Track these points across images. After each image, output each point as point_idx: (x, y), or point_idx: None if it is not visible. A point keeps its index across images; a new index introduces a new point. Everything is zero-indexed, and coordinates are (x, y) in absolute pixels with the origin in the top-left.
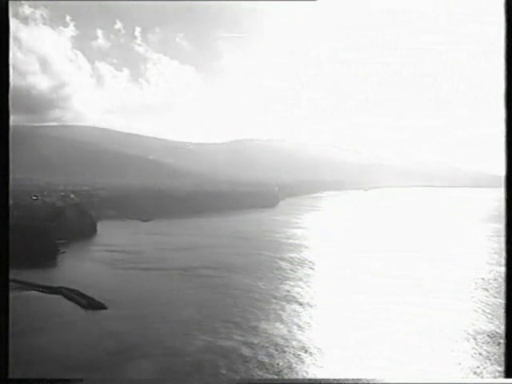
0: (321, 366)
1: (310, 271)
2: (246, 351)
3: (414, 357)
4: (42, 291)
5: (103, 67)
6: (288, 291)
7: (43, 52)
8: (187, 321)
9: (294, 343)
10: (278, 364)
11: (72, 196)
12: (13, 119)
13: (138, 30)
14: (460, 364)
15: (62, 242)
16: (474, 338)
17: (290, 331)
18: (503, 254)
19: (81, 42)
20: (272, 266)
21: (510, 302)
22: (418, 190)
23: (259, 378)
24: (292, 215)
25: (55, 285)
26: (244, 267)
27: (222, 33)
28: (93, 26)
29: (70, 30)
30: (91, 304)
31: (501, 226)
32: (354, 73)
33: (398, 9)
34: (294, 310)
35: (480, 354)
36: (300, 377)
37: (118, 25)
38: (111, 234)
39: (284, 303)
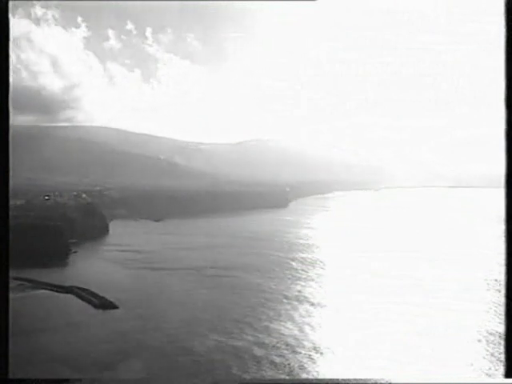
0: (331, 366)
1: (321, 271)
2: (257, 351)
3: (437, 357)
4: (53, 290)
5: (114, 68)
6: (299, 291)
7: (55, 53)
8: (199, 321)
9: (305, 343)
10: (289, 364)
11: (84, 196)
12: (25, 120)
13: (149, 30)
14: (472, 365)
15: (73, 241)
16: (486, 340)
17: (301, 331)
18: None
19: (92, 43)
20: (283, 267)
21: (510, 302)
22: (432, 190)
23: (270, 378)
24: (303, 216)
25: (67, 284)
26: (255, 267)
27: (228, 33)
28: (104, 26)
29: (82, 31)
30: (103, 303)
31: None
32: (353, 73)
33: (398, 9)
34: (306, 310)
35: (492, 355)
36: (311, 376)
37: (130, 25)
38: (123, 234)
39: (296, 303)
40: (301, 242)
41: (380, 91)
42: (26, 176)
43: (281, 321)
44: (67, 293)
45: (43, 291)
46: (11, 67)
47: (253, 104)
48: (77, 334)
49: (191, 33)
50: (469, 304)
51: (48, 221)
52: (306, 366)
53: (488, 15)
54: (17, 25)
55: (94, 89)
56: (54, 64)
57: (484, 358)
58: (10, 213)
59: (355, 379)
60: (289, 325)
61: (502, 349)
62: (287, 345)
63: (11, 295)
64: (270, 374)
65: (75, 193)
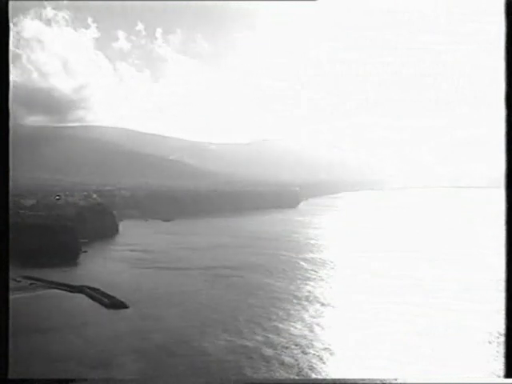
0: (340, 366)
1: (331, 271)
2: (267, 351)
3: (453, 358)
4: (64, 290)
5: (124, 68)
6: (310, 292)
7: (65, 53)
8: (210, 321)
9: (315, 344)
10: (298, 365)
11: (94, 196)
12: (36, 120)
13: (158, 31)
14: (488, 364)
15: (84, 241)
16: (497, 341)
17: (311, 331)
18: None
19: (102, 44)
20: (293, 267)
21: (510, 302)
22: (432, 190)
23: (281, 378)
24: (313, 216)
25: (77, 283)
26: (266, 267)
27: (229, 33)
28: (114, 27)
29: (92, 32)
30: (113, 303)
31: None
32: (354, 73)
33: (398, 9)
34: (317, 310)
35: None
36: (319, 377)
37: (139, 26)
38: (133, 234)
39: (306, 303)
40: (311, 242)
41: (380, 91)
42: (37, 176)
43: (290, 321)
44: (78, 292)
45: (54, 291)
46: (22, 68)
47: (256, 104)
48: (88, 332)
49: (197, 33)
50: (469, 304)
51: (59, 220)
52: (315, 366)
53: (488, 15)
54: (28, 26)
55: (103, 89)
56: (65, 65)
57: (495, 359)
58: (22, 212)
59: (361, 379)
60: (298, 325)
61: None
62: (296, 344)
63: (23, 295)
64: (280, 374)
65: (86, 193)
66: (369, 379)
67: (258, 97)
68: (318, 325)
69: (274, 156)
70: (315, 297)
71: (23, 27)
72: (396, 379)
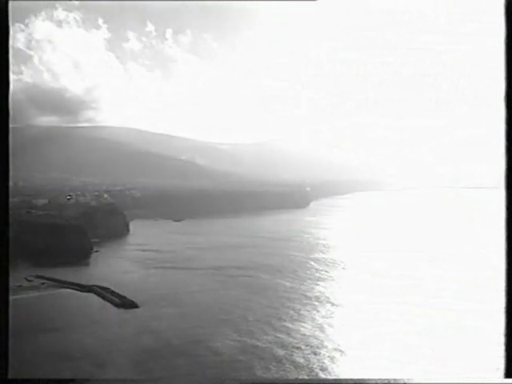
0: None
1: (342, 272)
2: (279, 351)
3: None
4: (75, 289)
5: (134, 68)
6: (321, 292)
7: (76, 54)
8: (221, 321)
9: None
10: (308, 366)
11: (105, 196)
12: (47, 120)
13: (168, 31)
14: (488, 364)
15: (95, 240)
16: (497, 341)
17: (322, 331)
18: None
19: (113, 44)
20: (304, 267)
21: (510, 302)
22: (432, 190)
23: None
24: (323, 216)
25: (88, 283)
26: (276, 268)
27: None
28: (124, 28)
29: (103, 33)
30: (124, 303)
31: None
32: (354, 73)
33: (398, 9)
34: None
35: None
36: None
37: (150, 27)
38: (144, 234)
39: (316, 303)
40: (321, 242)
41: (380, 91)
42: (49, 176)
43: (300, 321)
44: (89, 292)
45: (65, 290)
46: (34, 69)
47: (262, 104)
48: (100, 332)
49: (200, 33)
50: (469, 304)
51: (70, 220)
52: (325, 366)
53: (488, 15)
54: (39, 27)
55: (114, 89)
56: (76, 65)
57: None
58: (33, 212)
59: (365, 379)
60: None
61: None
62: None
63: (35, 294)
64: (291, 375)
65: (97, 193)
66: (374, 379)
67: (262, 97)
68: (329, 325)
69: (284, 156)
70: (326, 297)
71: (35, 28)
72: (399, 379)
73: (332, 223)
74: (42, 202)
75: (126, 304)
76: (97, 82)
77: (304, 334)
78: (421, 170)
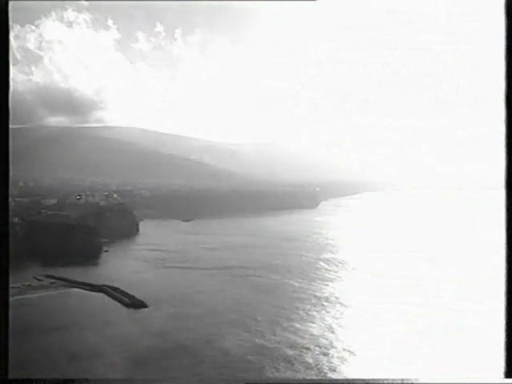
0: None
1: (352, 272)
2: (289, 352)
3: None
4: (85, 289)
5: (144, 69)
6: (331, 292)
7: (86, 55)
8: (230, 321)
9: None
10: (318, 366)
11: (115, 196)
12: (57, 120)
13: (177, 32)
14: (488, 364)
15: (104, 240)
16: (497, 341)
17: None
18: None
19: (122, 45)
20: (313, 267)
21: (510, 302)
22: (432, 190)
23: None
24: (332, 216)
25: (98, 283)
26: (286, 268)
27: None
28: (134, 28)
29: (112, 33)
30: (134, 302)
31: None
32: (354, 73)
33: (398, 9)
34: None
35: None
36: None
37: (159, 27)
38: (153, 234)
39: (326, 304)
40: (331, 242)
41: (380, 91)
42: (59, 176)
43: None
44: (98, 291)
45: (75, 290)
46: (44, 70)
47: (258, 104)
48: (109, 331)
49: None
50: (469, 304)
51: (80, 220)
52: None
53: (488, 15)
54: (50, 28)
55: (123, 90)
56: (86, 66)
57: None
58: (43, 212)
59: (370, 379)
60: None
61: None
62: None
63: (44, 293)
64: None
65: (106, 193)
66: (381, 379)
67: (262, 97)
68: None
69: (293, 157)
70: (336, 297)
71: (45, 29)
72: (406, 379)
73: (341, 223)
74: (51, 202)
75: (136, 304)
76: (106, 83)
77: (313, 335)
78: (421, 170)
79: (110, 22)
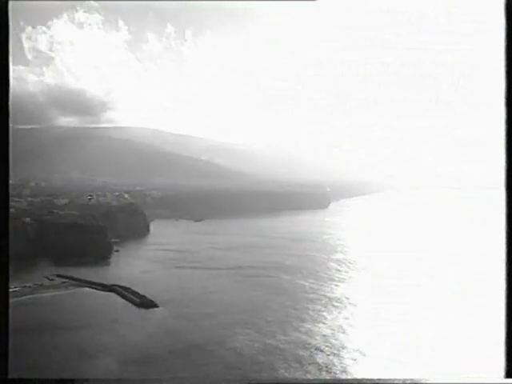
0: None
1: (362, 273)
2: (302, 352)
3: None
4: (95, 288)
5: (154, 69)
6: (342, 293)
7: (97, 56)
8: (243, 321)
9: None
10: (328, 367)
11: (126, 196)
12: (68, 121)
13: (188, 33)
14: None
15: (116, 240)
16: (497, 341)
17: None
18: None
19: (133, 46)
20: (324, 267)
21: (510, 302)
22: (432, 191)
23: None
24: (342, 217)
25: (109, 282)
26: (297, 268)
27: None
28: (144, 29)
29: (123, 34)
30: (144, 302)
31: None
32: (354, 73)
33: (398, 9)
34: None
35: None
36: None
37: (169, 28)
38: (164, 234)
39: (338, 304)
40: (341, 242)
41: (380, 91)
42: (70, 176)
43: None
44: (109, 291)
45: (86, 289)
46: (56, 71)
47: (258, 104)
48: (120, 331)
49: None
50: (469, 304)
51: (91, 220)
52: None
53: (488, 15)
54: (61, 29)
55: (134, 90)
56: (96, 67)
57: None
58: (55, 212)
59: (379, 379)
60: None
61: None
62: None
63: (55, 293)
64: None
65: (117, 193)
66: (390, 379)
67: (262, 97)
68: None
69: (304, 157)
70: (346, 297)
71: (56, 30)
72: (416, 379)
73: (351, 224)
74: (63, 202)
75: (147, 304)
76: (117, 83)
77: (325, 335)
78: (421, 170)
79: (120, 23)
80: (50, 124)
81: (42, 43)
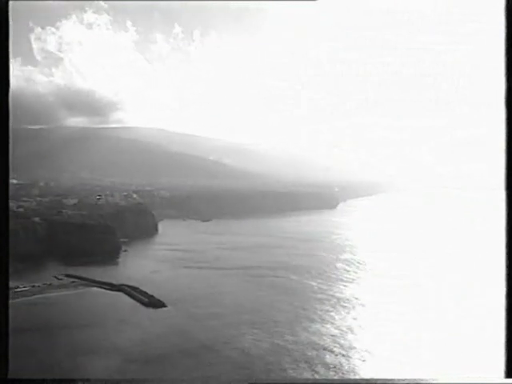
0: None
1: (370, 273)
2: (311, 353)
3: None
4: (104, 288)
5: (162, 69)
6: (351, 293)
7: (106, 56)
8: (250, 322)
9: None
10: (335, 367)
11: (134, 196)
12: (76, 121)
13: (196, 33)
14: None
15: (124, 240)
16: (497, 341)
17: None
18: None
19: (141, 46)
20: (333, 268)
21: (510, 302)
22: (432, 191)
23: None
24: (351, 217)
25: (117, 282)
26: (306, 268)
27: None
28: (152, 30)
29: (131, 35)
30: (152, 302)
31: None
32: (354, 73)
33: (398, 9)
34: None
35: None
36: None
37: (177, 29)
38: (172, 234)
39: (347, 304)
40: (349, 243)
41: (380, 91)
42: (79, 176)
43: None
44: (117, 291)
45: (95, 289)
46: (64, 71)
47: (258, 104)
48: (129, 330)
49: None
50: (469, 304)
51: (99, 220)
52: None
53: (488, 15)
54: (70, 30)
55: (142, 91)
56: (105, 67)
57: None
58: (64, 212)
59: (384, 379)
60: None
61: None
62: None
63: (65, 292)
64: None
65: (126, 193)
66: (397, 379)
67: (262, 97)
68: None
69: (309, 157)
70: (356, 298)
71: (65, 31)
72: (422, 379)
73: (360, 225)
74: (72, 201)
75: (155, 303)
76: (125, 84)
77: (334, 335)
78: (421, 170)
79: (128, 24)
80: (59, 124)
81: (51, 44)
